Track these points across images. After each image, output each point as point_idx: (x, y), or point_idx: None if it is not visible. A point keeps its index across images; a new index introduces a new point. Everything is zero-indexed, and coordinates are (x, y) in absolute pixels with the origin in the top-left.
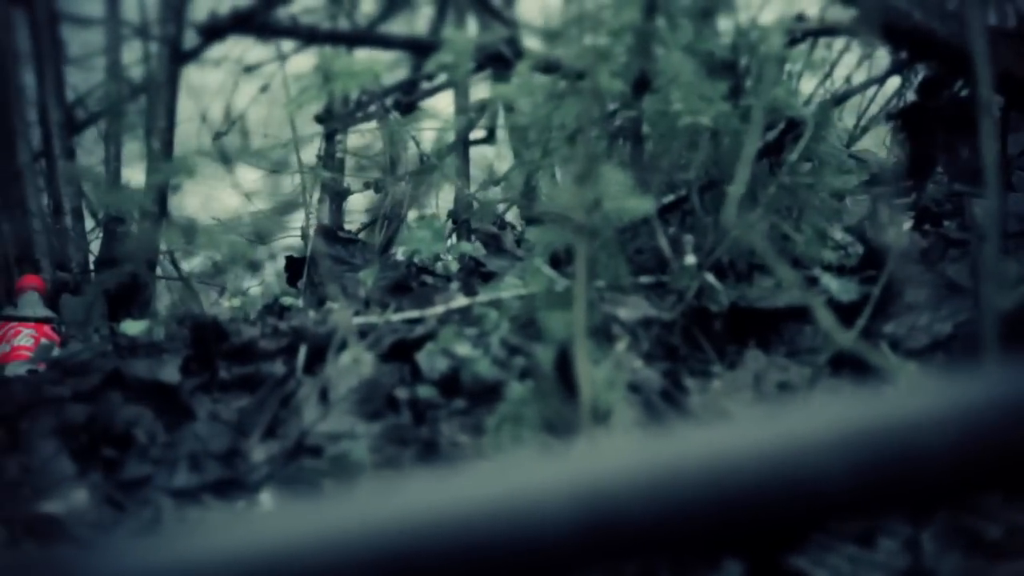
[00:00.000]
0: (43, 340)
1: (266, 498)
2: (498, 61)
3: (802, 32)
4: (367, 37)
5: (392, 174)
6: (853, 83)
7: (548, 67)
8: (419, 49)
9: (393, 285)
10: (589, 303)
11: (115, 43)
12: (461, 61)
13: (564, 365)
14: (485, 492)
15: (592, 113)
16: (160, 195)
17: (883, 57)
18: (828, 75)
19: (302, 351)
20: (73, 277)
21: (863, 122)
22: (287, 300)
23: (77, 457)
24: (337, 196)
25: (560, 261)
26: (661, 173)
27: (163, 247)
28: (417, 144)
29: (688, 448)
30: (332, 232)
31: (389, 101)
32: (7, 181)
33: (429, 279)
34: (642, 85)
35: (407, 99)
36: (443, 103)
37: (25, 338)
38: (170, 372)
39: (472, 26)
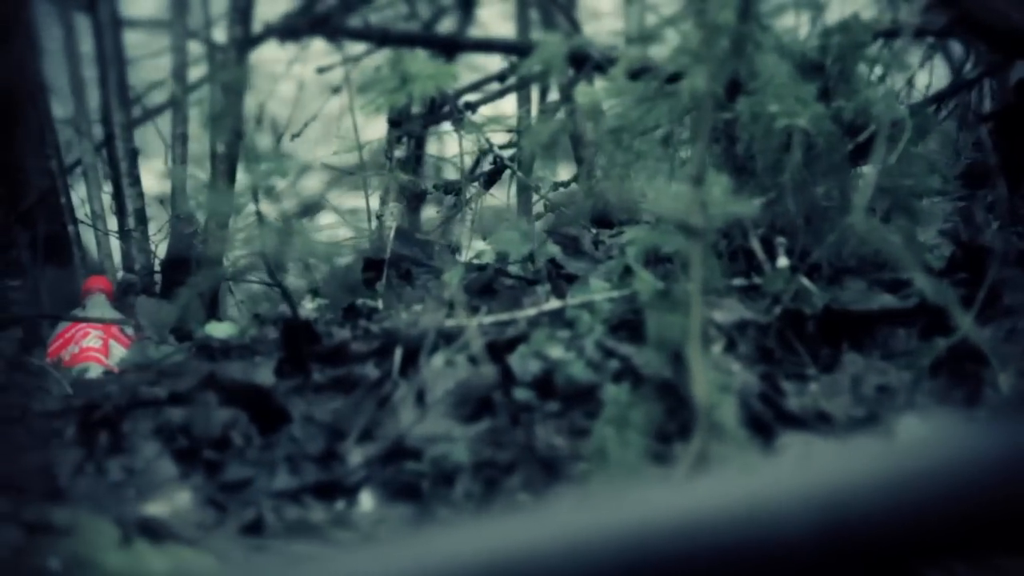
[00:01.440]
0: (136, 342)
1: (366, 499)
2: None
3: (889, 33)
4: (442, 40)
5: (467, 176)
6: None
7: (638, 71)
8: (500, 51)
9: (479, 287)
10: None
11: (181, 45)
12: (555, 63)
13: (677, 369)
14: (729, 498)
15: (706, 115)
16: (255, 196)
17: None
18: (911, 77)
19: (398, 353)
20: (140, 279)
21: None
22: (364, 302)
23: (179, 459)
24: (414, 198)
25: (647, 263)
26: (756, 175)
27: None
28: (491, 146)
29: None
30: (410, 234)
31: (461, 103)
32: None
33: (509, 281)
34: (736, 87)
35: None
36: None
37: (93, 339)
38: (265, 374)
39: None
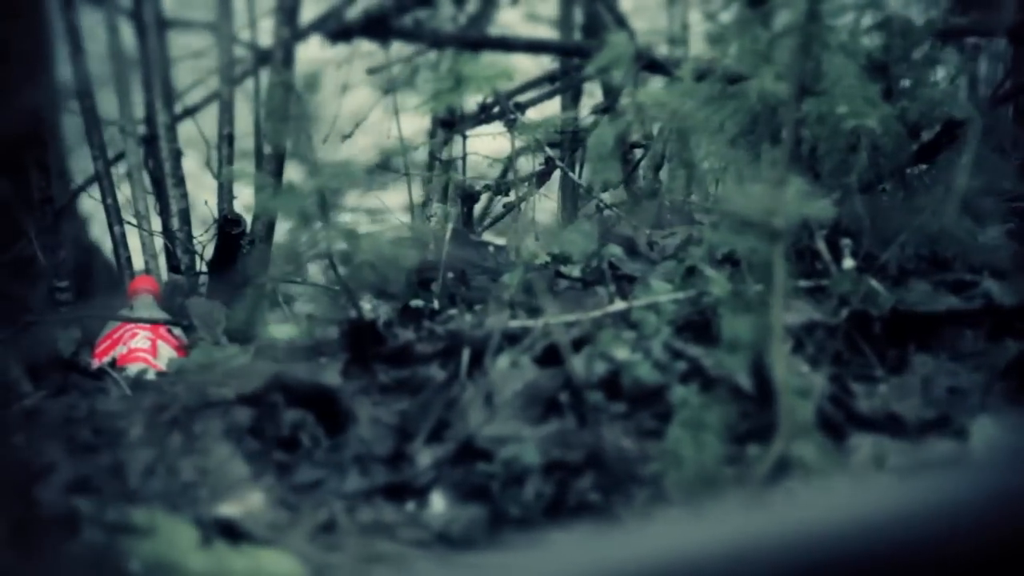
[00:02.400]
0: (199, 343)
1: (437, 500)
2: (653, 66)
3: (953, 32)
4: (492, 41)
5: (519, 177)
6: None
7: (704, 72)
8: (552, 52)
9: (545, 288)
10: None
11: (227, 46)
12: (622, 64)
13: (759, 371)
14: (898, 502)
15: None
16: (322, 200)
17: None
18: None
19: (465, 354)
20: (187, 279)
21: None
22: (416, 303)
23: (250, 460)
24: (468, 199)
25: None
26: (820, 176)
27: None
28: (544, 147)
29: None
30: (464, 235)
31: (512, 103)
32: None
33: (565, 282)
34: (802, 88)
35: (525, 103)
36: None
37: (141, 340)
38: (331, 375)
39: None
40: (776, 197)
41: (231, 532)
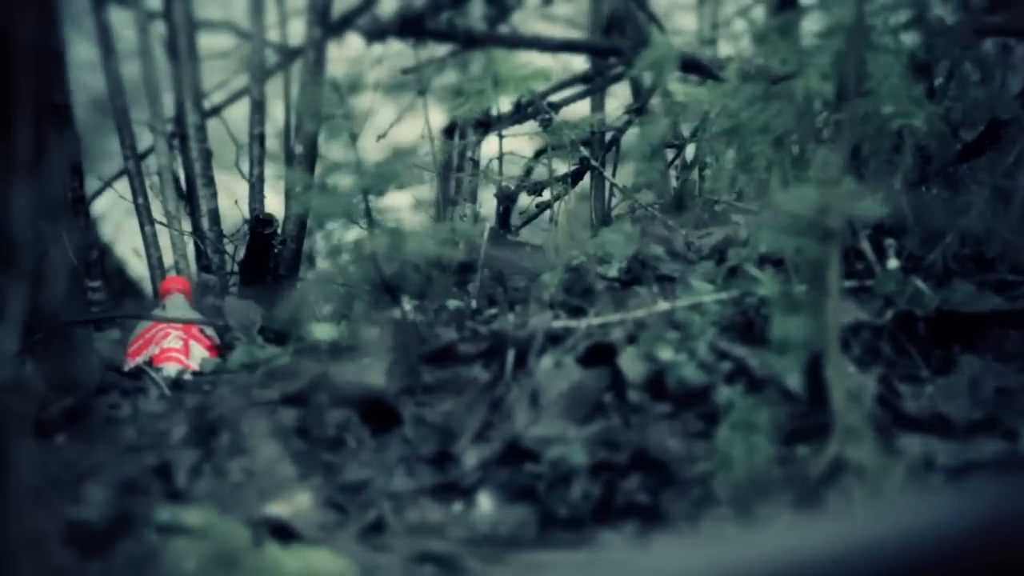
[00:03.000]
0: (240, 344)
1: (485, 501)
2: (694, 66)
3: (987, 31)
4: (525, 41)
5: (554, 176)
6: None
7: (749, 72)
8: (586, 52)
9: (581, 289)
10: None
11: (258, 46)
12: (666, 64)
13: (814, 373)
14: None
15: (849, 115)
16: (365, 199)
17: None
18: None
19: (510, 355)
20: (218, 280)
21: None
22: (452, 303)
23: (297, 460)
24: (505, 199)
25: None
26: (864, 176)
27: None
28: (579, 147)
29: None
30: (501, 235)
31: (545, 103)
32: None
33: (603, 283)
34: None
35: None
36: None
37: (174, 340)
38: (376, 376)
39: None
40: (831, 196)
41: (281, 532)
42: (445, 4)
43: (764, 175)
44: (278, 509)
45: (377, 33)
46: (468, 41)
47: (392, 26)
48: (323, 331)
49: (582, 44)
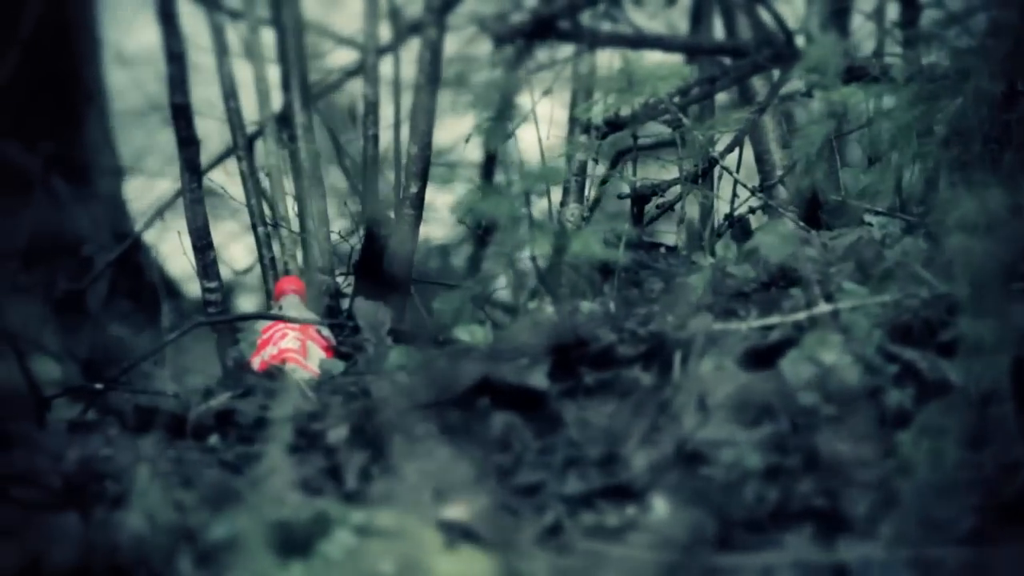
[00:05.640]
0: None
1: (660, 504)
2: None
3: None
4: (651, 40)
5: (688, 177)
6: None
7: (912, 74)
8: (711, 53)
9: (732, 291)
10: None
11: (372, 46)
12: (830, 65)
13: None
14: None
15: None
16: (526, 200)
17: None
18: None
19: (677, 357)
20: (333, 281)
21: None
22: (586, 305)
23: (470, 462)
24: (638, 199)
25: None
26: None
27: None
28: (708, 146)
29: None
30: (637, 236)
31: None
32: None
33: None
34: (1013, 90)
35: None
36: None
37: (291, 340)
38: (539, 378)
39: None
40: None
41: (467, 535)
42: (581, 4)
43: (931, 175)
44: (455, 512)
45: (508, 35)
46: (593, 41)
47: (525, 27)
48: (471, 333)
49: (706, 45)
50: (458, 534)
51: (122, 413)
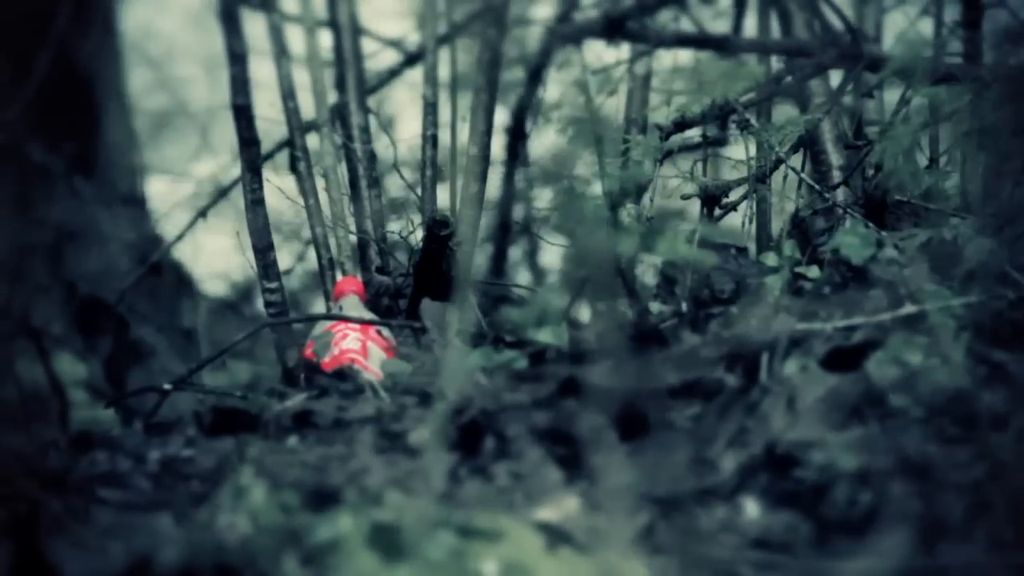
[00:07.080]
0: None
1: (751, 506)
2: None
3: None
4: (716, 40)
5: (757, 177)
6: None
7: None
8: (776, 53)
9: (812, 293)
10: None
11: (432, 47)
12: (917, 65)
13: None
14: None
15: None
16: (612, 203)
17: None
18: None
19: (764, 359)
20: (393, 281)
21: None
22: (655, 306)
23: (560, 463)
24: (709, 199)
25: None
26: None
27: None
28: (772, 147)
29: None
30: (707, 236)
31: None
32: None
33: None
34: None
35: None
36: None
37: (352, 341)
38: (623, 379)
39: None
40: None
41: (562, 537)
42: (651, 5)
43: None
44: (548, 513)
45: (575, 35)
46: (659, 42)
47: (595, 28)
48: (547, 334)
49: (772, 45)
50: (555, 535)
51: (199, 414)
